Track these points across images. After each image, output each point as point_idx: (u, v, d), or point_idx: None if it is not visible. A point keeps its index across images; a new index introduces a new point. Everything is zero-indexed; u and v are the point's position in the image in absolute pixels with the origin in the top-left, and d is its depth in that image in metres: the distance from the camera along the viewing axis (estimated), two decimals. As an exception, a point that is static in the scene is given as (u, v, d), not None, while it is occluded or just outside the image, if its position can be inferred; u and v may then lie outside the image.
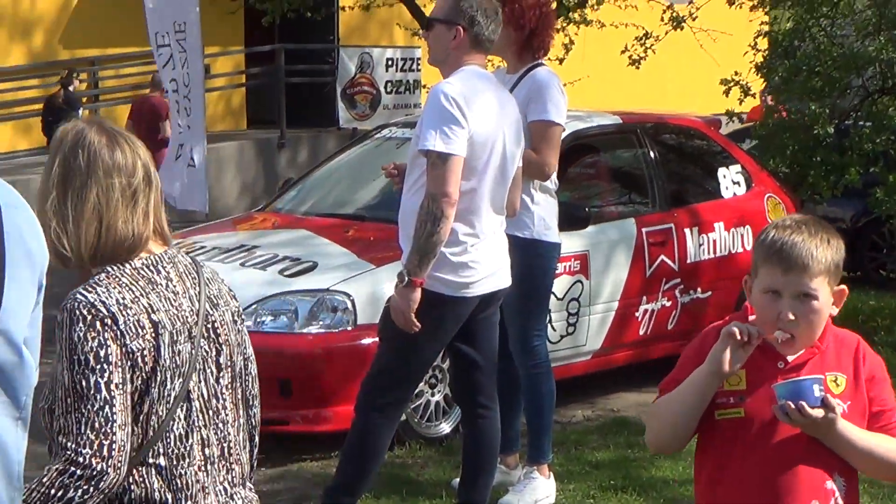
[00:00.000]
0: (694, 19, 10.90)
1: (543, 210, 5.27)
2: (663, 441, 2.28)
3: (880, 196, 8.42)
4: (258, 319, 5.91)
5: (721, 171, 7.66)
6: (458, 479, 5.07)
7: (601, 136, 7.39)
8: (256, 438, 2.76)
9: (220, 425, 2.58)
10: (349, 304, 5.89)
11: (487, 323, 4.77)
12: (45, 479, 2.19)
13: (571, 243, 6.32)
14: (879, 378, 2.20)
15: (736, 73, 9.70)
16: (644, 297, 6.97)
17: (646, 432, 2.29)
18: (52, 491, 2.18)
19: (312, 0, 11.42)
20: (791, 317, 2.05)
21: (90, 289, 2.36)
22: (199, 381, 2.53)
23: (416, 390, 5.70)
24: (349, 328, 5.91)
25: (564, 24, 10.77)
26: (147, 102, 13.58)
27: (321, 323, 5.94)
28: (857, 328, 8.33)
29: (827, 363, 2.15)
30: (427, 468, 5.88)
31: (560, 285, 6.26)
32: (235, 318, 2.63)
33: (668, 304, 7.08)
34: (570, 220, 6.24)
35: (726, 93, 9.77)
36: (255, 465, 2.83)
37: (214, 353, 2.54)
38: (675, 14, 10.68)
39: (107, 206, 2.45)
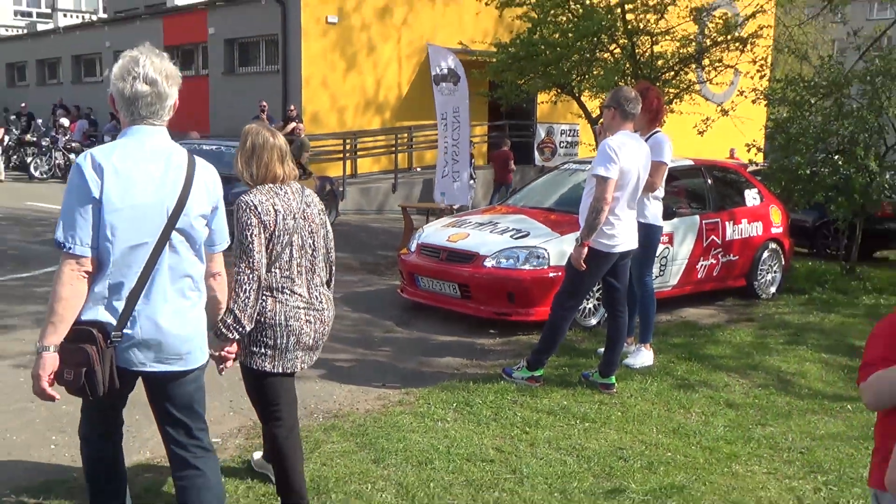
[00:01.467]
0: (734, 110, 12.56)
1: (654, 208, 6.25)
2: (887, 404, 2.15)
3: (834, 210, 10.03)
4: (498, 261, 7.16)
5: (746, 192, 9.09)
6: (602, 349, 6.07)
7: (683, 170, 8.49)
8: (333, 267, 3.73)
9: (310, 257, 3.51)
10: (546, 255, 7.09)
11: (623, 267, 5.73)
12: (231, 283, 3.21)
13: (665, 227, 7.15)
14: None
15: (754, 141, 11.14)
16: (701, 258, 8.29)
17: (868, 396, 2.18)
18: (233, 285, 3.24)
19: (525, 96, 13.49)
20: None
21: (248, 194, 3.36)
22: (299, 236, 3.45)
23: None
24: (545, 268, 7.06)
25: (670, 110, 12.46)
26: (501, 151, 17.27)
27: (531, 264, 7.09)
28: (814, 283, 9.99)
29: None
30: (584, 343, 7.02)
31: (658, 250, 7.12)
32: (320, 211, 3.59)
33: (714, 262, 8.47)
34: (666, 214, 7.16)
35: (748, 150, 11.26)
36: (333, 280, 3.74)
37: (308, 224, 3.50)
38: (722, 108, 12.32)
39: (269, 162, 3.45)
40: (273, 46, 19.45)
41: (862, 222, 10.74)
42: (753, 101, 11.77)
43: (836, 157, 10.36)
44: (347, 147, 18.03)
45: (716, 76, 12.96)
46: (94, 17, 32.39)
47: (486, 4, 13.37)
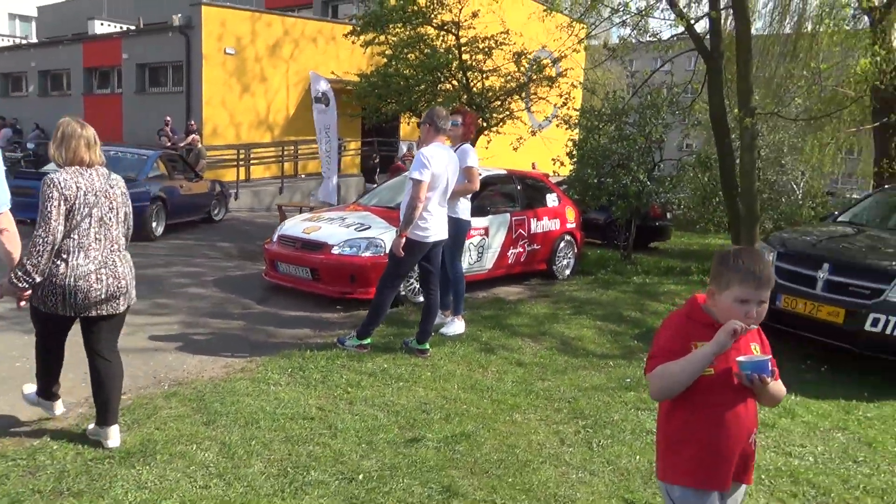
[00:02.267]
0: (541, 130, 12.62)
1: (464, 206, 6.03)
2: (668, 395, 1.98)
3: (615, 211, 10.24)
4: (343, 249, 6.71)
5: (548, 195, 8.97)
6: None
7: (498, 178, 8.40)
8: (129, 238, 3.56)
9: (108, 228, 3.39)
10: (383, 244, 6.68)
11: (436, 253, 5.47)
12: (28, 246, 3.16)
13: (481, 222, 7.55)
14: (767, 345, 2.10)
15: (558, 156, 11.10)
16: (511, 247, 8.10)
17: (654, 386, 1.98)
18: (31, 244, 3.17)
19: (384, 117, 12.87)
20: (755, 316, 1.93)
21: (55, 173, 3.27)
22: (98, 210, 3.33)
23: (408, 281, 6.79)
24: (382, 255, 6.54)
25: (488, 132, 12.45)
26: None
27: (370, 251, 6.70)
28: (600, 266, 10.15)
29: (750, 336, 2.03)
30: (411, 315, 6.54)
31: (476, 241, 7.50)
32: (123, 192, 3.48)
33: (522, 250, 8.30)
34: (482, 212, 7.58)
35: (554, 163, 11.34)
36: (130, 239, 3.56)
37: (108, 201, 3.38)
38: (531, 130, 12.21)
39: (76, 148, 3.32)
40: (178, 71, 18.22)
41: (636, 220, 10.90)
42: (557, 125, 11.78)
43: (618, 169, 10.48)
44: (241, 156, 17.13)
45: (533, 105, 13.01)
46: (25, 41, 29.54)
47: (353, 43, 12.92)
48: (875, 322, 5.07)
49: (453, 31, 11.79)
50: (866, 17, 12.23)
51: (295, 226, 7.51)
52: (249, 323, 6.25)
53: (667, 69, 11.31)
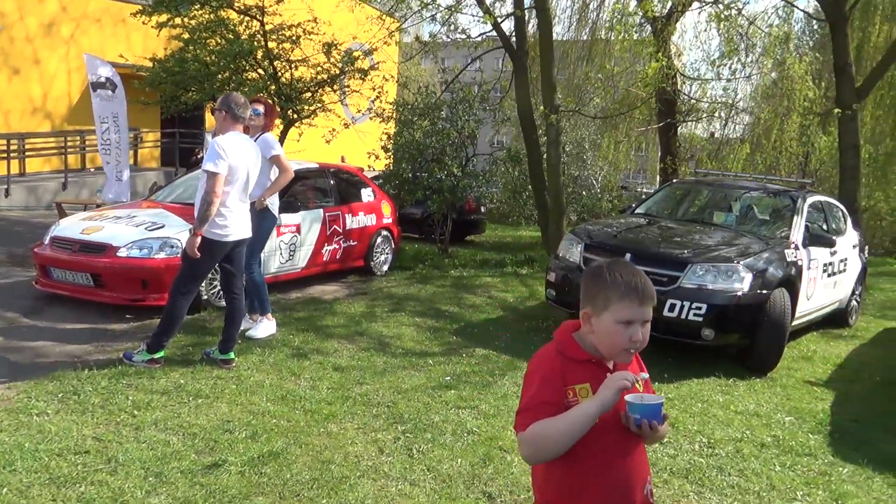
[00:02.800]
0: (355, 123, 12.32)
1: (272, 200, 5.63)
2: (549, 457, 1.62)
3: (431, 205, 10.14)
4: (131, 251, 5.95)
5: (363, 190, 8.71)
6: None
7: (310, 172, 7.89)
8: None
9: None
10: (179, 244, 5.93)
11: (238, 253, 5.00)
12: None
13: (293, 218, 7.15)
14: (645, 369, 1.84)
15: (373, 150, 10.82)
16: (325, 244, 7.71)
17: (527, 450, 1.61)
18: None
19: (183, 107, 11.68)
20: (641, 338, 1.64)
21: None
22: None
23: (210, 283, 6.16)
24: (178, 256, 5.50)
25: (299, 124, 11.71)
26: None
27: (165, 253, 5.99)
28: (418, 261, 10.09)
29: (631, 366, 1.73)
30: (215, 321, 5.85)
31: (287, 238, 7.05)
32: None
33: (337, 247, 7.95)
34: (292, 208, 7.11)
35: (369, 157, 11.08)
36: None
37: None
38: (346, 122, 11.76)
39: None
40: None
41: (452, 214, 10.94)
42: (371, 119, 11.53)
43: (432, 164, 10.46)
44: (14, 147, 14.94)
45: (347, 98, 12.61)
46: None
47: (144, 24, 11.68)
48: (672, 307, 5.35)
49: (258, 16, 11.08)
50: (650, 27, 13.30)
51: (72, 226, 6.55)
52: (12, 340, 5.30)
53: (477, 66, 11.48)
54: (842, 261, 7.14)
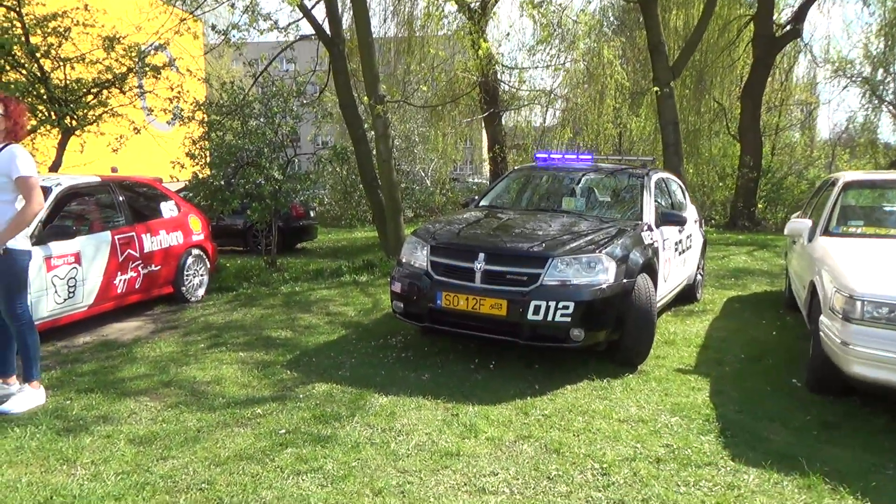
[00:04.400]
0: (148, 126, 10.65)
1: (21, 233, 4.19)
2: None
3: (251, 214, 9.02)
4: None
5: (163, 204, 7.39)
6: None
7: (89, 188, 6.53)
8: None
9: None
10: None
11: None
12: None
13: (69, 246, 5.80)
14: None
15: (177, 159, 9.39)
16: (119, 272, 6.43)
17: None
18: None
19: None
20: None
21: None
22: None
23: None
24: None
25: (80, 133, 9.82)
26: None
27: None
28: (241, 279, 8.79)
29: None
30: None
31: (63, 272, 5.70)
32: None
33: (135, 274, 6.65)
34: (65, 234, 5.77)
35: (174, 167, 9.57)
36: None
37: None
38: (137, 127, 10.10)
39: None
40: None
41: (278, 222, 9.76)
42: (169, 122, 9.96)
43: (248, 168, 9.21)
44: None
45: (138, 101, 10.86)
46: None
47: None
48: (536, 310, 4.68)
49: (13, 6, 9.12)
50: (465, 18, 12.86)
51: None
52: None
53: (290, 57, 10.29)
54: (688, 237, 6.93)
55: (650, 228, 5.73)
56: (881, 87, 19.27)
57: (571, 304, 4.67)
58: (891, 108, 19.83)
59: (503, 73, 18.39)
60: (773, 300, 8.00)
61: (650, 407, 4.48)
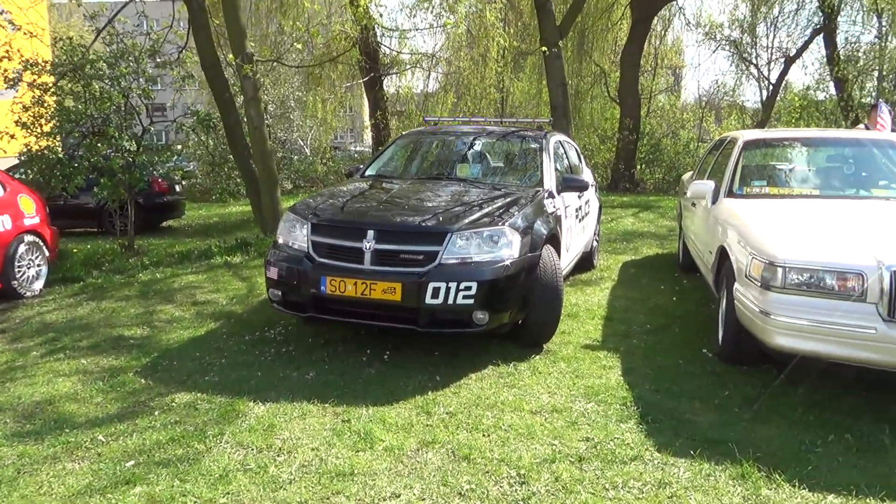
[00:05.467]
0: None
1: None
2: None
3: (100, 191, 7.84)
4: None
5: None
6: None
7: None
8: None
9: None
10: None
11: None
12: None
13: None
14: None
15: (7, 129, 7.99)
16: None
17: None
18: None
19: None
20: None
21: None
22: None
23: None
24: None
25: None
26: None
27: None
28: (91, 267, 7.51)
29: None
30: None
31: None
32: None
33: None
34: None
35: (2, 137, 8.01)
36: None
37: None
38: None
39: None
40: None
41: (135, 199, 8.57)
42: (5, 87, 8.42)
43: (93, 139, 8.02)
44: None
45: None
46: None
47: None
48: (435, 293, 4.11)
49: None
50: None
51: None
52: None
53: (140, 10, 8.99)
54: (587, 202, 6.60)
55: (552, 195, 5.29)
56: (748, 51, 20.06)
57: (474, 285, 4.14)
58: (755, 70, 20.74)
59: (383, 35, 17.56)
60: (667, 263, 7.91)
61: (562, 393, 4.06)
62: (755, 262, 3.87)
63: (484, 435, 3.51)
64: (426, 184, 5.45)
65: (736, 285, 4.14)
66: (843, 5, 17.11)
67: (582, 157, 7.42)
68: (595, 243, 7.56)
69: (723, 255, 4.56)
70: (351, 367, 4.38)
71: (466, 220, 4.41)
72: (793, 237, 3.92)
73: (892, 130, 8.89)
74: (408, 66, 19.30)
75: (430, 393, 4.01)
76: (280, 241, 4.73)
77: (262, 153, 8.09)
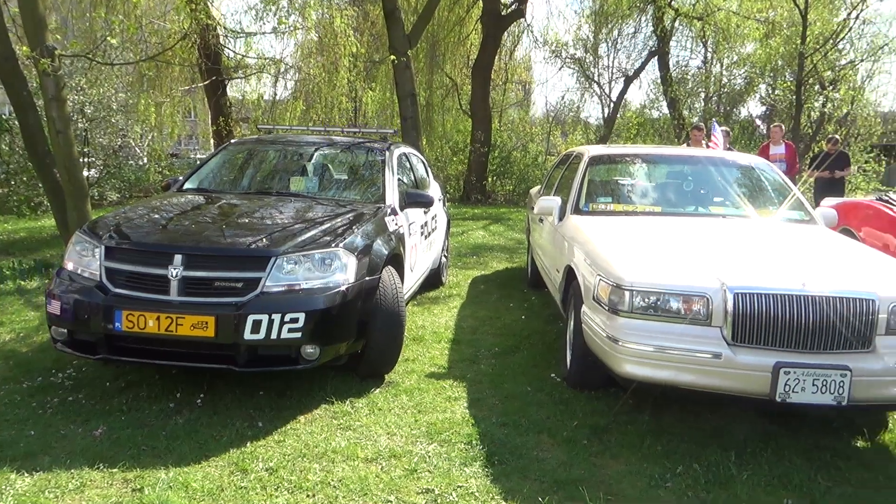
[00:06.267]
0: None
1: None
2: None
3: None
4: None
5: None
6: None
7: None
8: None
9: None
10: None
11: None
12: None
13: None
14: None
15: None
16: None
17: None
18: None
19: None
20: None
21: None
22: None
23: None
24: None
25: None
26: None
27: None
28: None
29: None
30: None
31: None
32: None
33: None
34: None
35: None
36: None
37: None
38: None
39: None
40: None
41: None
42: None
43: None
44: None
45: None
46: None
47: None
48: (256, 326, 3.54)
49: None
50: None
51: None
52: None
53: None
54: (433, 217, 6.28)
55: (394, 212, 4.89)
56: (591, 69, 20.96)
57: (302, 315, 3.62)
58: (597, 88, 21.73)
59: (227, 36, 16.50)
60: (516, 278, 7.81)
61: (403, 433, 3.64)
62: (602, 284, 3.67)
63: (309, 495, 3.02)
64: (253, 199, 4.85)
65: (584, 308, 3.93)
66: (674, 32, 18.30)
67: (430, 169, 7.10)
68: (444, 259, 7.27)
69: (570, 274, 4.38)
70: (154, 416, 3.70)
71: (295, 242, 3.88)
72: (639, 258, 3.76)
73: (726, 149, 9.39)
74: (254, 72, 18.35)
75: (248, 444, 3.43)
76: (69, 267, 3.95)
77: (68, 161, 7.03)
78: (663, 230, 4.41)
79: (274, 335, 3.57)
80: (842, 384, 3.17)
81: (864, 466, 3.42)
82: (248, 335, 3.54)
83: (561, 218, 5.07)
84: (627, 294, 3.48)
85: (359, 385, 4.26)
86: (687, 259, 3.72)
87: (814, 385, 3.19)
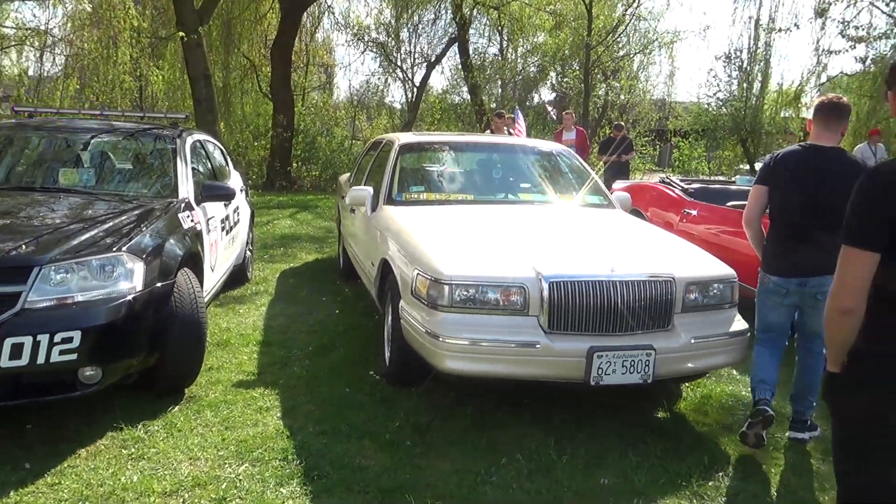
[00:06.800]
0: None
1: None
2: None
3: None
4: None
5: None
6: None
7: None
8: None
9: None
10: None
11: None
12: None
13: None
14: None
15: None
16: None
17: None
18: None
19: None
20: None
21: None
22: None
23: None
24: None
25: None
26: None
27: None
28: None
29: None
30: None
31: None
32: None
33: None
34: None
35: None
36: None
37: None
38: None
39: None
40: None
41: None
42: None
43: None
44: None
45: None
46: None
47: None
48: (16, 350, 2.96)
49: None
50: None
51: None
52: None
53: None
54: (235, 210, 5.80)
55: (189, 207, 4.40)
56: (393, 54, 20.96)
57: (77, 334, 3.09)
58: (400, 73, 21.82)
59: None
60: (327, 269, 7.54)
61: (208, 455, 3.26)
62: (421, 279, 3.54)
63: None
64: (14, 196, 4.10)
65: (402, 303, 3.78)
66: (472, 20, 18.84)
67: (229, 157, 6.56)
68: (248, 253, 6.79)
69: (386, 267, 4.21)
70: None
71: (66, 247, 3.31)
72: (456, 250, 3.69)
73: (528, 136, 9.77)
74: (12, 44, 16.09)
75: (11, 494, 2.86)
76: None
77: None
78: (477, 219, 4.40)
79: (41, 359, 3.01)
80: (647, 363, 3.33)
81: (667, 436, 3.63)
82: (6, 362, 2.95)
83: (374, 209, 4.88)
84: (447, 288, 3.39)
85: (154, 404, 3.77)
86: (502, 249, 3.72)
87: (623, 366, 3.32)
